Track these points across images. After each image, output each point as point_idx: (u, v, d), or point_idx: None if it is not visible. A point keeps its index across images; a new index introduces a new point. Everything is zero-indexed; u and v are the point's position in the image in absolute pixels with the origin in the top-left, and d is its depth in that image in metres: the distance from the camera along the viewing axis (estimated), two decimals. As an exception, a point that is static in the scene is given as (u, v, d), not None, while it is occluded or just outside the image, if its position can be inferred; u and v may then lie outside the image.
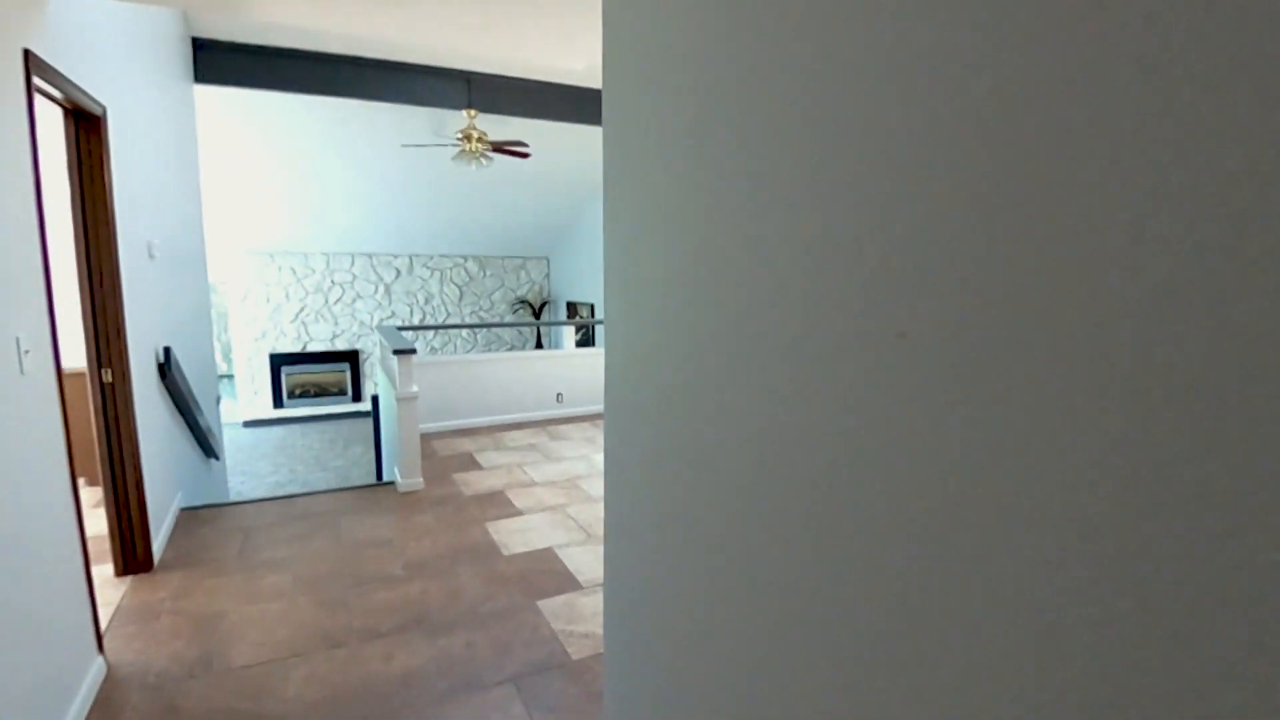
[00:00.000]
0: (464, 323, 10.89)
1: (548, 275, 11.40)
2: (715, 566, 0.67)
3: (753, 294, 0.61)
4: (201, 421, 4.27)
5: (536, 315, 11.17)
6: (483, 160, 5.96)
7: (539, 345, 11.36)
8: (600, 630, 2.53)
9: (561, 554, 3.19)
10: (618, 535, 0.96)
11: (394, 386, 4.05)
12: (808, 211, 0.54)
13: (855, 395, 0.48)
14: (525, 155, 6.05)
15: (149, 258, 3.43)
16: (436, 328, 6.39)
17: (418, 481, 4.07)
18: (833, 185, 0.53)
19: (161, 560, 3.10)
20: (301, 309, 9.89)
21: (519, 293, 11.24)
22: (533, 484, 4.17)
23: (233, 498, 6.37)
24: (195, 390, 4.65)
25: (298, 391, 10.05)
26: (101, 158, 2.71)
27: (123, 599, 2.74)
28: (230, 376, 9.92)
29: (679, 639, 0.76)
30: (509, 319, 11.24)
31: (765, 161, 0.60)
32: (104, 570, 2.92)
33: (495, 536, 3.38)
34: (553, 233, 10.33)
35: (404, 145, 6.23)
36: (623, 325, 0.97)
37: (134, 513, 2.91)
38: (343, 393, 10.38)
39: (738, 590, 0.63)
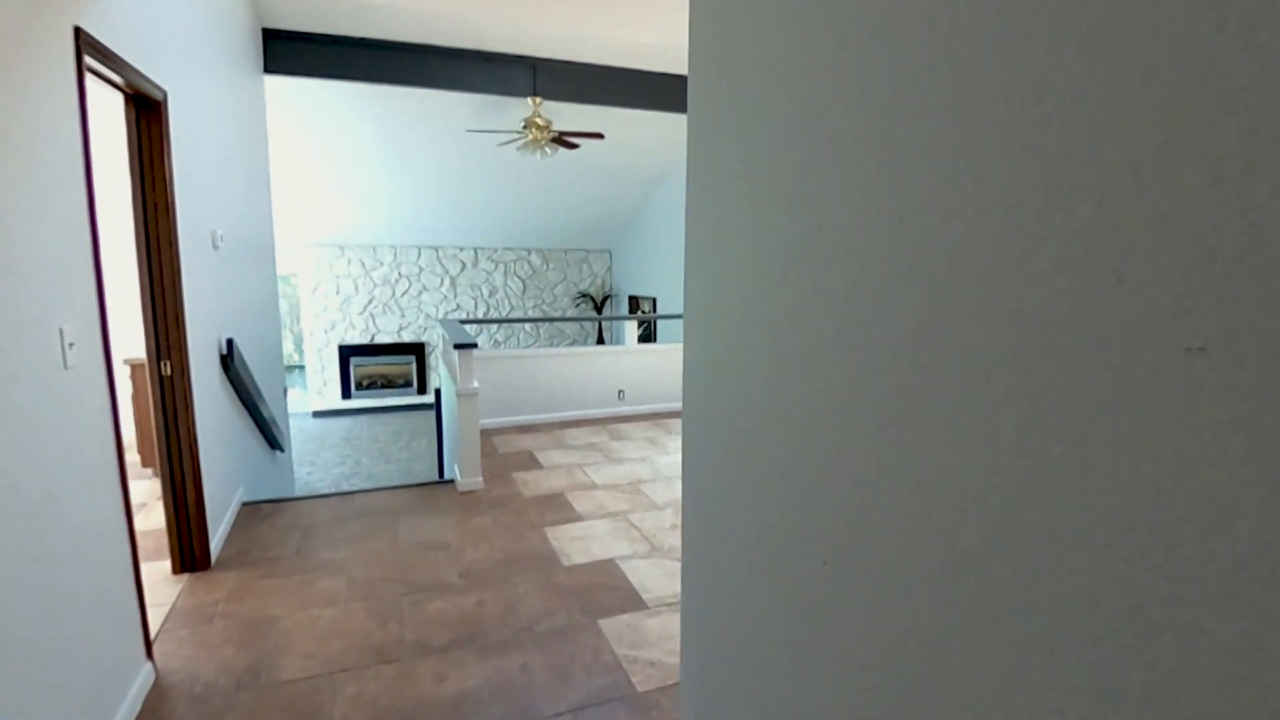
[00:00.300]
0: (526, 316, 10.86)
1: (609, 268, 11.25)
2: (822, 598, 0.54)
3: (901, 291, 0.44)
4: (265, 413, 4.25)
5: (598, 309, 11.03)
6: (547, 150, 5.80)
7: (600, 340, 11.22)
8: (669, 659, 2.30)
9: (624, 567, 2.97)
10: (699, 555, 0.79)
11: (454, 382, 3.92)
12: (997, 180, 0.37)
13: (1099, 431, 0.33)
14: (600, 136, 5.86)
15: (213, 248, 3.39)
16: (498, 321, 6.31)
17: (477, 481, 3.93)
18: (1048, 143, 0.34)
19: (219, 558, 3.04)
20: (370, 301, 10.04)
21: (581, 286, 11.12)
22: (594, 487, 3.98)
23: (298, 489, 6.46)
24: (262, 382, 4.66)
25: (365, 383, 10.22)
26: (162, 144, 2.64)
27: (178, 598, 2.67)
28: (301, 367, 10.17)
29: (775, 677, 0.62)
30: (571, 313, 11.14)
31: (932, 116, 0.42)
32: (162, 566, 2.88)
33: (554, 544, 3.19)
34: (615, 225, 10.16)
35: (469, 130, 6.13)
36: (707, 324, 0.79)
37: (191, 509, 2.85)
38: (408, 385, 10.51)
39: (849, 629, 0.51)
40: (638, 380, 5.75)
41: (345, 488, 6.65)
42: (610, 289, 11.21)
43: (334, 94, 6.16)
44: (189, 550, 2.88)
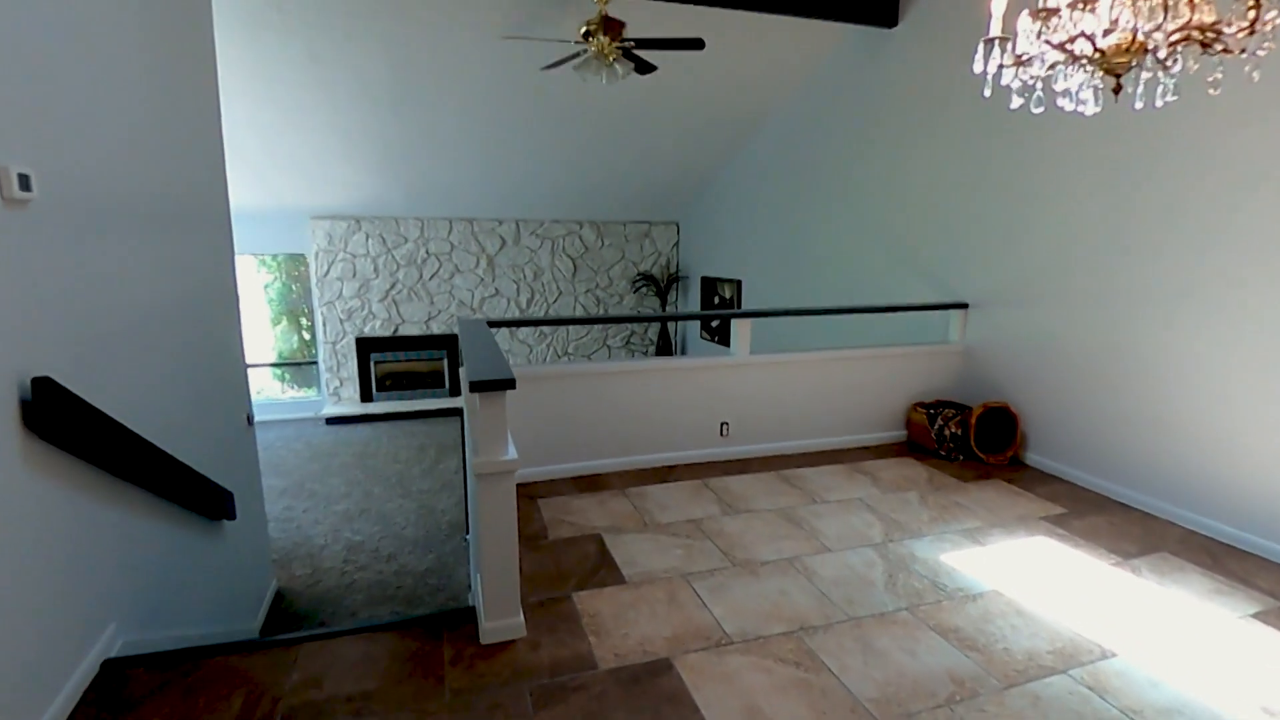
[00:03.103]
0: (585, 316, 9.09)
1: (676, 245, 9.39)
2: None
3: None
4: (180, 474, 2.60)
5: (661, 293, 9.20)
6: (617, 68, 3.98)
7: (663, 337, 9.39)
8: None
9: None
10: None
11: (474, 447, 2.17)
12: None
13: None
14: (697, 44, 4.00)
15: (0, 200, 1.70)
16: (539, 323, 4.49)
17: (513, 623, 2.19)
18: None
19: None
20: (392, 286, 8.44)
21: (642, 266, 9.30)
22: (724, 642, 2.19)
23: (282, 538, 4.85)
24: (203, 413, 3.08)
25: (388, 383, 8.65)
26: None
27: None
28: (314, 363, 8.65)
29: None
30: (629, 299, 9.34)
31: None
32: None
33: None
34: (687, 190, 8.28)
35: (504, 37, 4.33)
36: None
37: None
38: (439, 384, 8.91)
39: None
40: (748, 408, 3.94)
41: (346, 535, 5.04)
42: (677, 268, 9.36)
43: (335, 22, 4.46)
44: None
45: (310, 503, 5.65)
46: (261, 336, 8.64)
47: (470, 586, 3.26)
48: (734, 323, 3.89)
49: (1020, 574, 2.65)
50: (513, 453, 2.09)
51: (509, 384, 2.04)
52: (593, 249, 9.06)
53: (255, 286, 8.53)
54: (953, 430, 3.91)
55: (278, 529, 5.12)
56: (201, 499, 2.93)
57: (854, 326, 5.08)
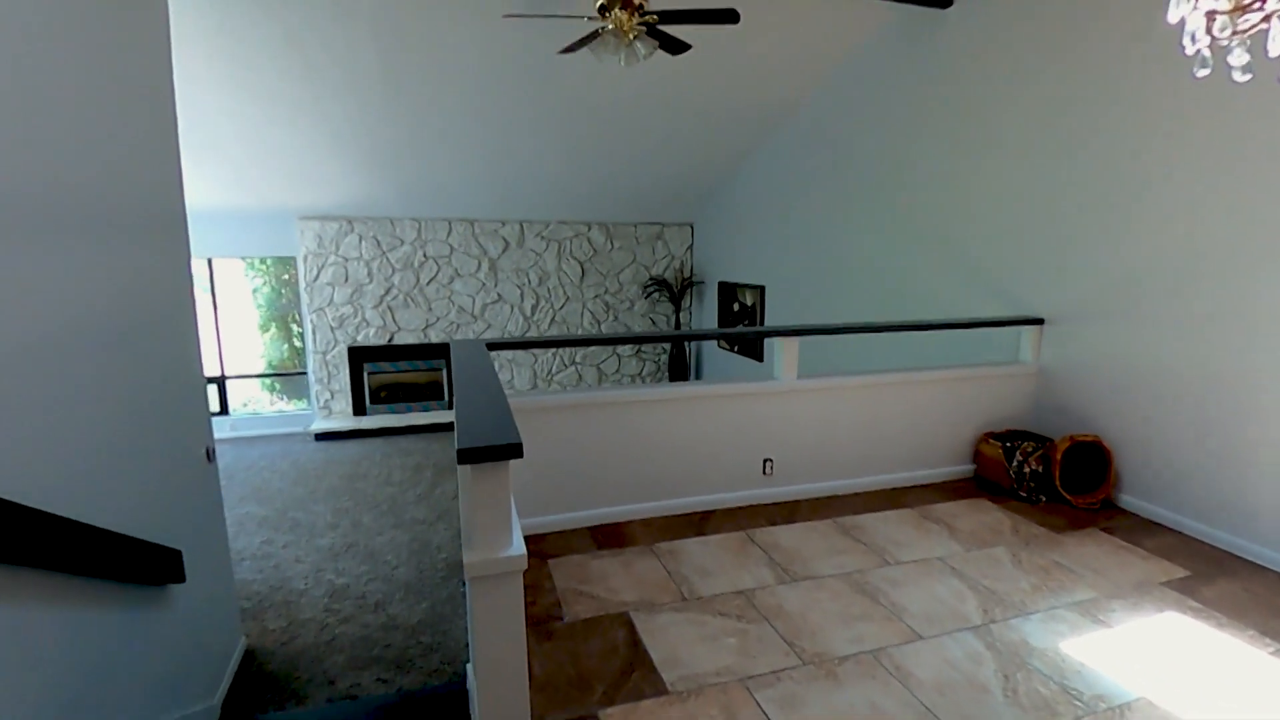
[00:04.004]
0: (588, 324, 8.51)
1: (690, 247, 8.81)
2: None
3: None
4: (103, 541, 2.04)
5: (676, 298, 8.62)
6: (638, 46, 3.41)
7: (677, 345, 8.79)
8: None
9: None
10: None
11: (466, 536, 1.59)
12: None
13: None
14: (731, 16, 3.42)
15: None
16: (547, 344, 3.78)
17: (522, 768, 1.62)
18: None
19: None
20: (387, 291, 7.87)
21: (654, 270, 8.73)
22: (806, 788, 1.62)
23: (257, 581, 4.27)
24: (148, 453, 2.52)
25: (383, 394, 8.09)
26: None
27: None
28: (302, 373, 8.09)
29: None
30: (640, 304, 8.76)
31: None
32: None
33: None
34: (703, 189, 7.70)
35: (506, 16, 3.76)
36: None
37: None
38: (437, 396, 8.35)
39: None
40: (795, 441, 3.36)
41: (330, 576, 4.47)
42: (691, 273, 8.78)
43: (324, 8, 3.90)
44: None
45: (292, 535, 5.08)
46: (250, 344, 8.09)
47: (467, 646, 2.70)
48: (777, 342, 3.31)
49: (1165, 670, 2.07)
50: (519, 545, 1.52)
51: (513, 451, 1.46)
52: (602, 252, 8.49)
53: (244, 291, 7.99)
54: (1033, 467, 3.34)
55: (253, 568, 4.56)
56: (129, 565, 2.37)
57: (899, 343, 4.50)
